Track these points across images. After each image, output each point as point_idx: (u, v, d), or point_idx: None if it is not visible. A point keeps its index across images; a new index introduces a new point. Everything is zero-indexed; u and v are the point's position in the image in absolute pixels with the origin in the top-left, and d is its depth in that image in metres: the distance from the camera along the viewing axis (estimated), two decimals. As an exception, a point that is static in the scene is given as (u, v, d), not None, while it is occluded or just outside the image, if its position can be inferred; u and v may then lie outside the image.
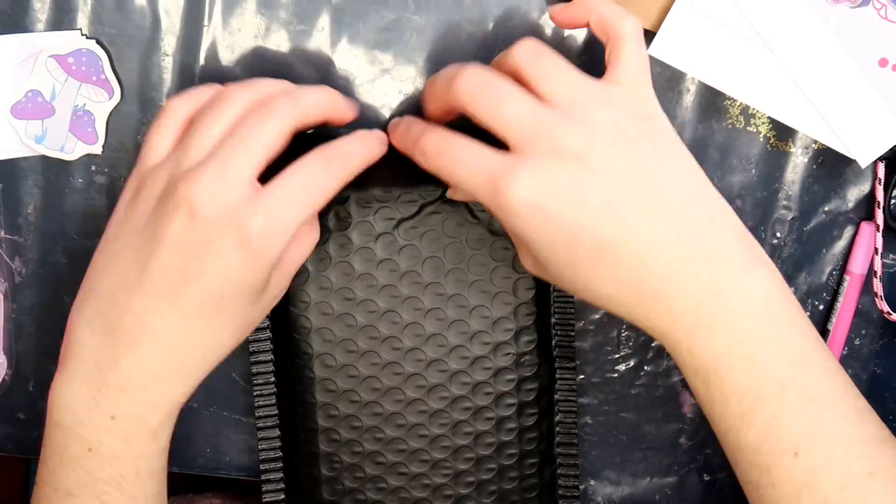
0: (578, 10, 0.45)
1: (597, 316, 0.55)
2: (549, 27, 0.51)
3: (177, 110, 0.45)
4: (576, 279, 0.43)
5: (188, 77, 0.51)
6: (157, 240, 0.42)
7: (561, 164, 0.41)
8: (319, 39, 0.51)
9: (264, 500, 0.53)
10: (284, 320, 0.51)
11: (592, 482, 0.57)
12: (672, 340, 0.43)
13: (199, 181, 0.41)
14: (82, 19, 0.51)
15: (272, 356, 0.51)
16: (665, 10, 0.49)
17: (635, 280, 0.42)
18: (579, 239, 0.41)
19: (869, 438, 0.42)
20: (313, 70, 0.51)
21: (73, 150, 0.52)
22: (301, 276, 0.51)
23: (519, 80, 0.43)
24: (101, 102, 0.51)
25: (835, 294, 0.55)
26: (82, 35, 0.51)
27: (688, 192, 0.42)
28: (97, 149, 0.52)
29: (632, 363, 0.55)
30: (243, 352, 0.55)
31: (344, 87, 0.52)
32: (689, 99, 0.52)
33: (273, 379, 0.51)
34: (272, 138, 0.42)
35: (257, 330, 0.51)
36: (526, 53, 0.43)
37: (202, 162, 0.42)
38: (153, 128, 0.45)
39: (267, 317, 0.51)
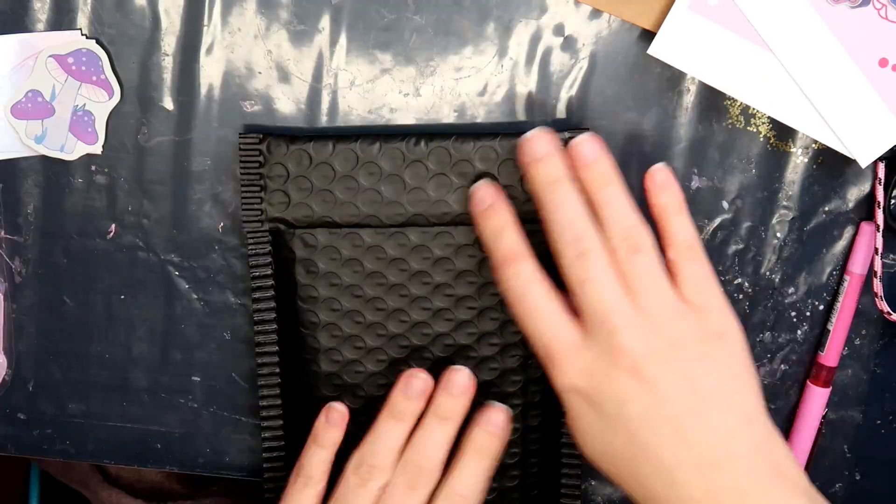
0: (651, 192, 0.46)
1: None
2: (548, 28, 0.51)
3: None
4: (604, 465, 0.44)
5: (188, 77, 0.51)
6: None
7: (616, 366, 0.42)
8: (319, 39, 0.51)
9: (266, 497, 0.53)
10: (290, 310, 0.51)
11: (593, 482, 0.57)
12: None
13: None
14: (82, 19, 0.51)
15: (277, 348, 0.51)
16: (665, 10, 0.49)
17: (660, 494, 0.42)
18: (615, 434, 0.43)
19: None
20: (311, 69, 0.51)
21: (73, 150, 0.52)
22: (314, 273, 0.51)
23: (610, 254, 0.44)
24: (101, 102, 0.51)
25: (835, 294, 0.55)
26: (82, 35, 0.51)
27: (736, 421, 0.42)
28: (97, 149, 0.52)
29: (632, 363, 0.55)
30: (243, 351, 0.55)
31: (344, 88, 0.52)
32: (689, 99, 0.52)
33: (278, 370, 0.51)
34: None
35: (262, 322, 0.51)
36: (624, 243, 0.44)
37: None
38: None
39: (272, 308, 0.51)
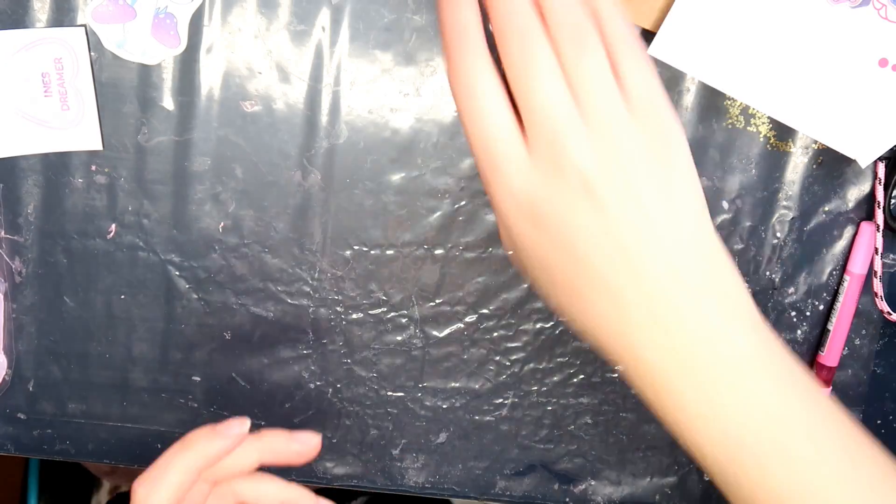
0: None
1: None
2: (549, 27, 0.51)
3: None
4: (543, 286, 0.42)
5: (188, 77, 0.51)
6: None
7: (565, 182, 0.39)
8: (319, 39, 0.51)
9: None
10: None
11: (592, 482, 0.57)
12: (639, 385, 0.41)
13: None
14: (83, 19, 0.51)
15: None
16: (665, 10, 0.49)
17: (607, 314, 0.40)
18: (559, 255, 0.40)
19: (867, 485, 0.40)
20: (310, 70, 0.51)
21: (154, 55, 0.50)
22: None
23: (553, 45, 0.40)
24: (185, 4, 0.49)
25: (835, 294, 0.55)
26: None
27: (682, 243, 0.40)
28: (178, 51, 0.50)
29: (632, 363, 0.55)
30: (243, 351, 0.55)
31: (344, 88, 0.52)
32: (689, 99, 0.52)
33: None
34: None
35: None
36: (570, 43, 0.40)
37: None
38: None
39: None
